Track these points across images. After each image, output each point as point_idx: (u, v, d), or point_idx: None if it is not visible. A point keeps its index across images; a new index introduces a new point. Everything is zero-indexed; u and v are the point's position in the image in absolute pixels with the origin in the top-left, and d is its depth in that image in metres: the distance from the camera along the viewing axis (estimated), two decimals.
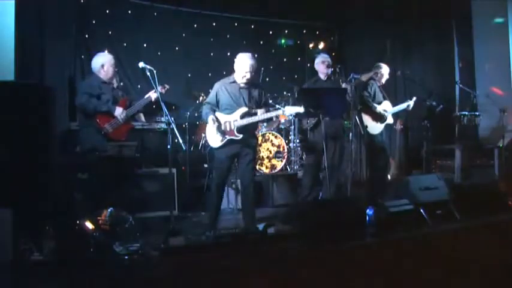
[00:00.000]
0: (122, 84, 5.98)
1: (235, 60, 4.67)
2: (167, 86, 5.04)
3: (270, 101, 6.84)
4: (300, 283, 2.96)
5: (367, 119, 5.84)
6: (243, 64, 4.60)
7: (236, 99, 4.65)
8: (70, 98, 6.07)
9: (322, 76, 5.52)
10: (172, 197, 5.38)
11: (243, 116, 4.59)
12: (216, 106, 4.72)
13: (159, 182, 5.49)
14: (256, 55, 4.93)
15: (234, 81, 4.69)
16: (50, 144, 3.08)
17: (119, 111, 4.73)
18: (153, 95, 4.84)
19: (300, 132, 6.71)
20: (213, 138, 4.67)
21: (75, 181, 5.07)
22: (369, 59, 7.15)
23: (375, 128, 5.88)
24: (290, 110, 4.60)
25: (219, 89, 4.73)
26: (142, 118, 5.90)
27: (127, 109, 4.82)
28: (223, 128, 4.62)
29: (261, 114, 4.61)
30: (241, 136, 4.58)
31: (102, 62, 4.81)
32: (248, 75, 4.61)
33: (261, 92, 4.77)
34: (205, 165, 6.35)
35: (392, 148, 6.72)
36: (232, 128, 4.58)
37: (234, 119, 4.59)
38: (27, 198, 2.92)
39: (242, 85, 4.67)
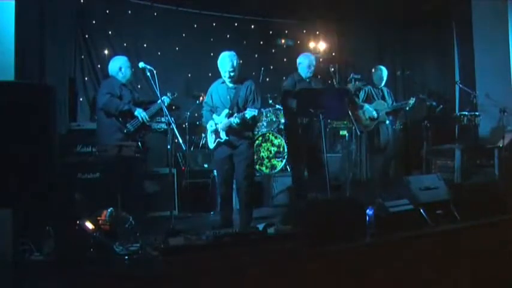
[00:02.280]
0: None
1: (218, 60, 4.65)
2: (176, 94, 5.09)
3: (270, 101, 6.87)
4: (300, 283, 2.96)
5: (356, 117, 5.90)
6: (224, 63, 4.58)
7: (224, 100, 4.66)
8: (70, 98, 6.08)
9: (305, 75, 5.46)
10: (172, 197, 5.38)
11: (228, 117, 4.59)
12: (212, 107, 4.76)
13: (159, 182, 5.49)
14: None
15: (224, 82, 4.70)
16: (50, 144, 3.08)
17: (139, 112, 4.75)
18: (166, 99, 4.87)
19: None
20: (209, 140, 4.79)
21: (76, 181, 5.08)
22: (369, 59, 7.16)
23: (365, 125, 5.94)
24: (249, 113, 4.44)
25: (213, 90, 4.79)
26: None
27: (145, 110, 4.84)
28: (214, 129, 4.68)
29: (232, 117, 4.53)
30: (225, 138, 4.57)
31: (120, 65, 4.84)
32: (231, 75, 4.58)
33: (250, 90, 4.66)
34: (206, 165, 6.36)
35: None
36: (218, 129, 4.61)
37: (220, 121, 4.63)
38: (27, 198, 2.92)
39: (230, 85, 4.67)
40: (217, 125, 4.65)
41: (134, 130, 4.75)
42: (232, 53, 4.64)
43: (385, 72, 6.15)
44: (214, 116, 4.73)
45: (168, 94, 4.90)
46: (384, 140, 6.06)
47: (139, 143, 4.72)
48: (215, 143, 4.69)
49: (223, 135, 4.58)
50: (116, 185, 4.43)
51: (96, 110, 4.94)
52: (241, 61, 4.71)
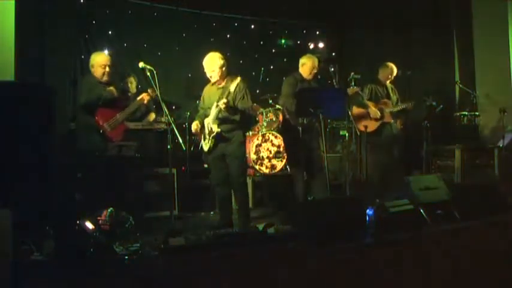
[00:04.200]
0: (122, 84, 5.91)
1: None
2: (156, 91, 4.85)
3: (270, 101, 6.86)
4: (299, 283, 2.96)
5: (361, 118, 5.88)
6: (206, 64, 4.64)
7: (213, 99, 4.65)
8: (70, 98, 6.08)
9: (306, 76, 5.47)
10: (172, 197, 5.38)
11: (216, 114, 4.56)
12: (205, 110, 4.76)
13: (159, 182, 5.49)
14: (227, 53, 4.81)
15: (213, 83, 4.74)
16: (50, 144, 3.08)
17: (117, 111, 4.70)
18: (145, 96, 4.82)
19: None
20: (203, 143, 4.76)
21: (76, 181, 5.07)
22: (369, 58, 7.16)
23: (370, 126, 5.90)
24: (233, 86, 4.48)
25: (205, 92, 4.84)
26: (154, 116, 5.87)
27: (124, 109, 4.79)
28: (207, 130, 4.66)
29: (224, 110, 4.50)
30: (217, 130, 4.54)
31: (92, 63, 4.78)
32: (214, 74, 4.62)
33: (239, 88, 4.62)
34: (206, 165, 6.36)
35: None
36: (211, 127, 4.59)
37: (211, 119, 4.60)
38: (27, 198, 2.92)
39: (218, 84, 4.69)
40: (208, 123, 4.63)
41: (111, 129, 4.68)
42: (214, 54, 4.66)
43: (394, 69, 6.11)
44: (206, 119, 4.72)
45: (148, 90, 4.82)
46: (384, 139, 6.05)
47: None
48: (209, 142, 4.64)
49: (215, 128, 4.55)
50: (114, 184, 4.45)
51: (76, 111, 4.90)
52: (222, 62, 4.64)
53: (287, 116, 5.44)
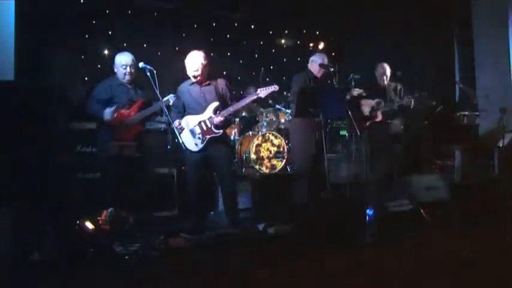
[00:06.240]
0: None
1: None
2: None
3: (270, 101, 6.86)
4: (299, 282, 2.96)
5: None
6: (189, 63, 4.55)
7: (199, 99, 4.57)
8: (70, 98, 6.08)
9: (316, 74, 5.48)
10: (172, 197, 5.38)
11: (216, 111, 4.47)
12: (182, 109, 4.64)
13: (159, 182, 5.49)
14: (211, 53, 4.69)
15: (193, 83, 4.62)
16: (50, 144, 3.09)
17: (132, 112, 4.62)
18: (172, 98, 4.66)
19: None
20: (191, 142, 4.55)
21: (76, 181, 5.08)
22: (369, 59, 7.16)
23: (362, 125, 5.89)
24: (264, 92, 4.39)
25: (182, 91, 4.68)
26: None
27: (140, 111, 4.68)
28: (200, 129, 4.53)
29: (238, 102, 4.45)
30: (221, 132, 4.47)
31: (115, 63, 4.71)
32: (197, 73, 4.52)
33: (226, 87, 4.61)
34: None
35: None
36: (209, 125, 4.49)
37: (208, 117, 4.50)
38: (27, 198, 2.93)
39: (202, 84, 4.60)
40: (203, 122, 4.51)
41: (119, 129, 4.56)
42: (197, 53, 4.57)
43: (387, 69, 6.10)
44: (190, 116, 4.59)
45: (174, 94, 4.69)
46: (375, 138, 6.01)
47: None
48: (204, 143, 4.52)
49: (216, 130, 4.46)
50: (113, 184, 4.44)
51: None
52: (206, 61, 4.55)
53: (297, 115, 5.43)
